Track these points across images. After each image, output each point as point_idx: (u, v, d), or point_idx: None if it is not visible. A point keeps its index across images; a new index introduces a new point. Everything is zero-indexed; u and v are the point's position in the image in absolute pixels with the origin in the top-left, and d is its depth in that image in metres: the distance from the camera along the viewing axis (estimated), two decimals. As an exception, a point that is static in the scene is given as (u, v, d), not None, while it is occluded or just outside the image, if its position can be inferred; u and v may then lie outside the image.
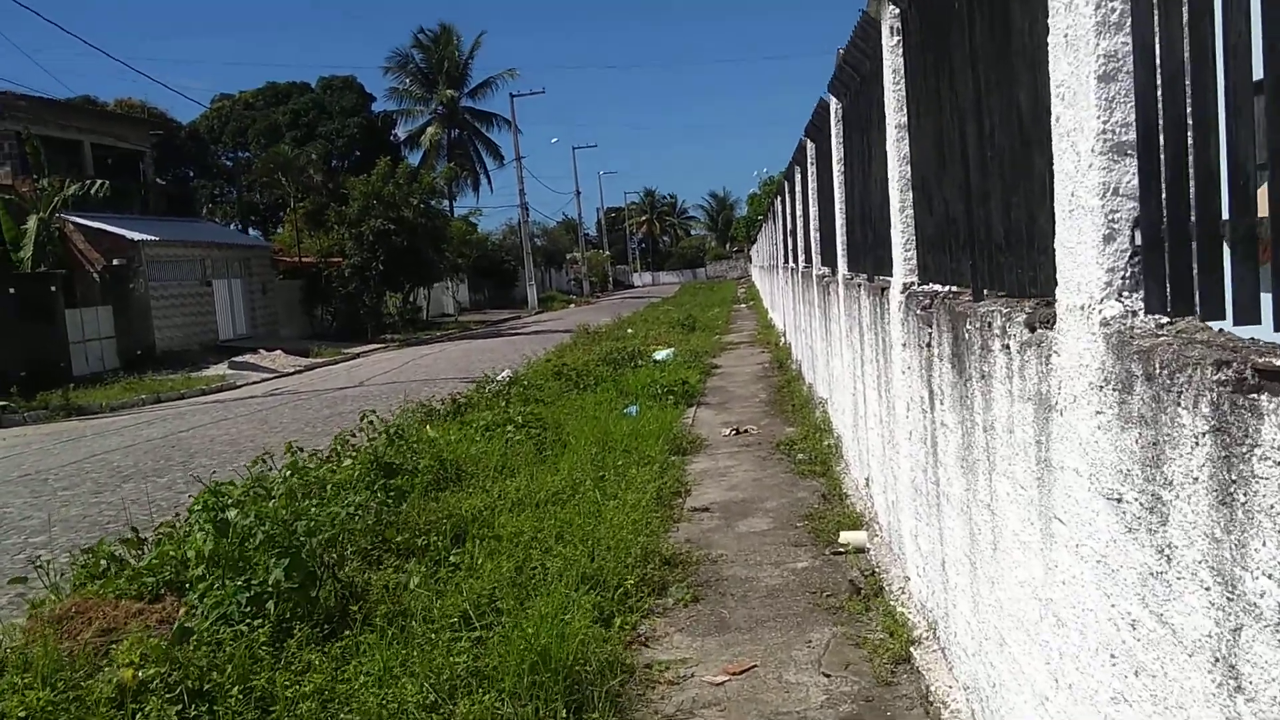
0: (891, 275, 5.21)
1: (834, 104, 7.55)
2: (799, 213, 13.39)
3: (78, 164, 32.41)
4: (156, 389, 23.34)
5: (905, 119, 4.68)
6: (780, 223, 19.28)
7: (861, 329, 6.54)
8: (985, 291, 3.52)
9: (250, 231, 62.70)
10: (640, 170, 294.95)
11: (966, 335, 3.44)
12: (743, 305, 41.57)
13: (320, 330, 39.34)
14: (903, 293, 4.77)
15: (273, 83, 68.42)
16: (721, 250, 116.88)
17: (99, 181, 27.66)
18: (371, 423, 8.32)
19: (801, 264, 13.44)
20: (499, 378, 15.87)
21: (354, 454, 8.91)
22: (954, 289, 4.11)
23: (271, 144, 56.65)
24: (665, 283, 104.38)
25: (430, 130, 69.62)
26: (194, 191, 59.93)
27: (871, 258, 6.21)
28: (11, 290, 24.37)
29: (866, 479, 6.86)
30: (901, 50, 4.67)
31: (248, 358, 29.45)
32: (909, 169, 4.69)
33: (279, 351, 30.40)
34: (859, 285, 6.64)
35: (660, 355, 17.85)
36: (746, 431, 11.22)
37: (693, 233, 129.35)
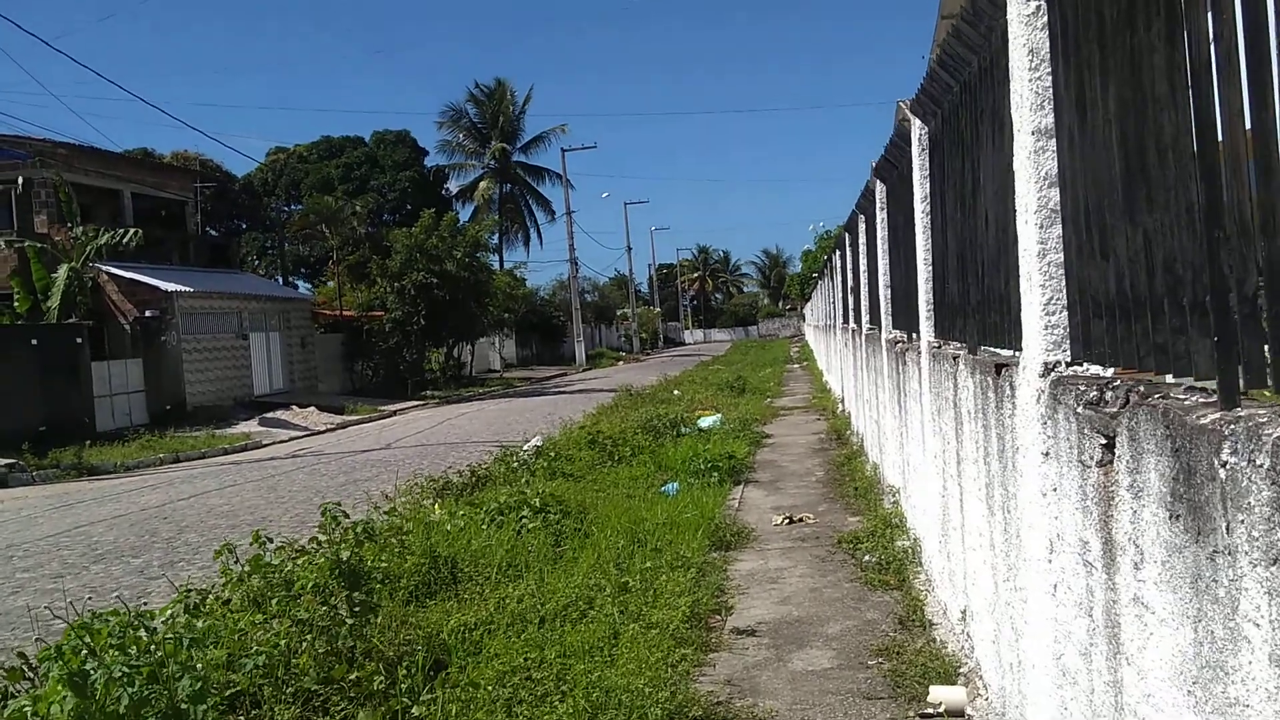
0: (1017, 349, 3.66)
1: (917, 127, 6.04)
2: (863, 267, 11.84)
3: (117, 213, 31.89)
4: (177, 448, 22.21)
5: (1050, 120, 3.15)
6: (839, 279, 17.73)
7: (958, 416, 4.96)
8: (1250, 390, 1.96)
9: (299, 285, 62.43)
10: (693, 226, 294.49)
11: (1224, 471, 1.88)
12: (796, 366, 39.88)
13: (360, 386, 38.29)
14: (1045, 376, 3.21)
15: (327, 136, 68.79)
16: (774, 308, 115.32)
17: (132, 230, 26.91)
18: (336, 518, 6.83)
19: (865, 325, 11.86)
20: (527, 446, 14.43)
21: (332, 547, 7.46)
22: (1149, 378, 2.55)
23: (326, 197, 56.40)
24: (717, 340, 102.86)
25: (482, 185, 69.28)
26: (244, 243, 59.86)
27: (975, 322, 4.65)
28: (34, 341, 23.52)
29: (963, 611, 5.22)
30: (1046, 17, 3.16)
31: (279, 414, 28.39)
32: (1055, 194, 3.16)
33: (312, 408, 29.30)
34: (954, 358, 5.07)
35: (705, 423, 16.30)
36: (802, 520, 9.60)
37: (745, 290, 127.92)
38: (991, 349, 4.45)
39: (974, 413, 4.50)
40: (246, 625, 5.75)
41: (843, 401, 18.08)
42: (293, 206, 62.82)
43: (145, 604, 7.54)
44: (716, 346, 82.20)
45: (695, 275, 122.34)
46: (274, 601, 5.82)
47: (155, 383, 28.14)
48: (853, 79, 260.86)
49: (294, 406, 29.49)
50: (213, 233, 55.93)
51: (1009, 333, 3.87)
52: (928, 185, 5.96)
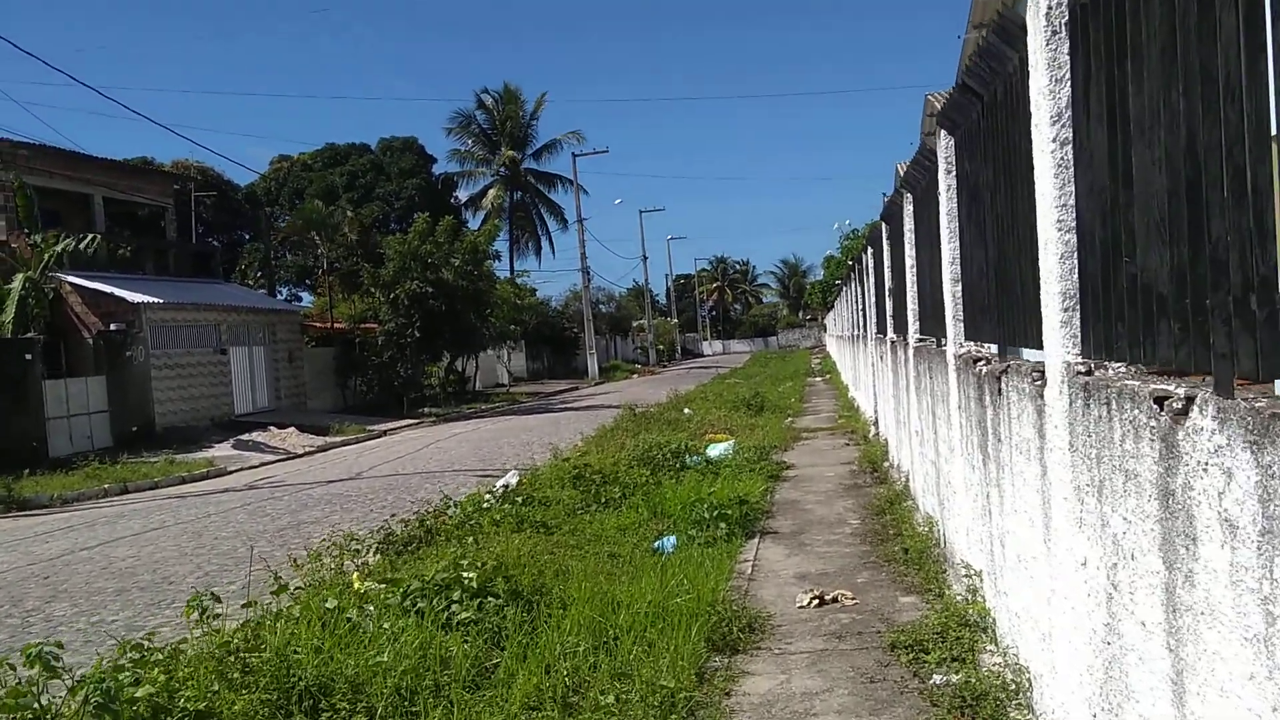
0: None
1: (1045, -3, 3.53)
2: (908, 261, 9.31)
3: (87, 219, 29.69)
4: (126, 477, 19.82)
5: None
6: (871, 281, 15.19)
7: (1182, 521, 2.45)
8: None
9: (301, 296, 60.11)
10: (711, 235, 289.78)
11: None
12: (818, 379, 37.28)
13: (353, 403, 35.90)
14: None
15: (332, 144, 66.62)
16: (794, 318, 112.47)
17: (91, 236, 24.65)
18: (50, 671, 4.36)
19: (914, 335, 9.32)
20: (499, 485, 11.98)
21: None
22: None
23: (329, 206, 54.24)
24: (736, 351, 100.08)
25: (492, 192, 66.97)
26: (247, 255, 57.69)
27: (1255, 329, 2.13)
28: (-26, 358, 21.26)
29: None
30: None
31: (254, 436, 26.02)
32: None
33: (292, 429, 26.90)
34: (1161, 401, 2.55)
35: (715, 451, 13.76)
36: (836, 600, 7.07)
37: (764, 300, 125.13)
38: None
39: (1259, 532, 1.98)
40: None
41: (876, 425, 15.51)
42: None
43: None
44: (735, 358, 79.47)
45: (714, 285, 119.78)
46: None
47: (121, 402, 25.84)
48: (880, 77, 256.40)
49: (273, 428, 27.09)
50: (215, 243, 53.85)
51: None
52: (1066, 90, 3.45)
